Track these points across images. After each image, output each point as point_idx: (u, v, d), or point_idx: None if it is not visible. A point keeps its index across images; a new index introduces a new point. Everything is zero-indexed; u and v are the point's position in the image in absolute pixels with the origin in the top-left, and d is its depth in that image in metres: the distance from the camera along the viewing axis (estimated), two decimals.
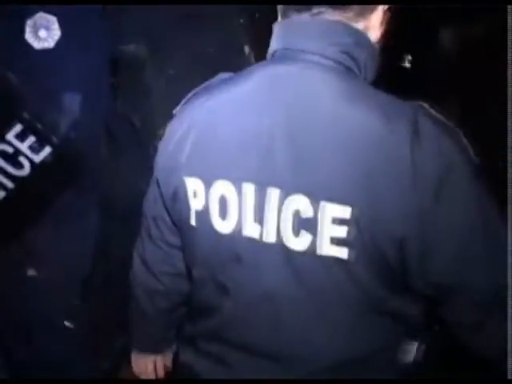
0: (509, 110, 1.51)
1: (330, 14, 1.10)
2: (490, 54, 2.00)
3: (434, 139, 1.02)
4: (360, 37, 1.12)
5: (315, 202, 1.04)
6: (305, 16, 1.11)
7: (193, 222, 1.17)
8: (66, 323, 2.31)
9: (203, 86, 1.24)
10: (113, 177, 2.35)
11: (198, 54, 2.32)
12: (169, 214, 1.27)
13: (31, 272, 2.33)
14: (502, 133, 1.51)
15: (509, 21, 1.56)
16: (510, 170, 1.43)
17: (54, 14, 2.22)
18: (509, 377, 1.16)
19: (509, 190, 1.41)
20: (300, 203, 1.05)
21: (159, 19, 2.32)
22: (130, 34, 2.36)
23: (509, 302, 1.15)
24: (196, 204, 1.15)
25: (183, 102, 1.25)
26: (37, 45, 2.23)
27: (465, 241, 1.04)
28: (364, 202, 1.02)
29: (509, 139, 1.48)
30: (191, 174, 1.15)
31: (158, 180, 1.26)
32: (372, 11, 1.13)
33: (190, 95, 1.25)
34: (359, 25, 1.12)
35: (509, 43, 1.53)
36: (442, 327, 1.13)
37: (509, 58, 1.52)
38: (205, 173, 1.14)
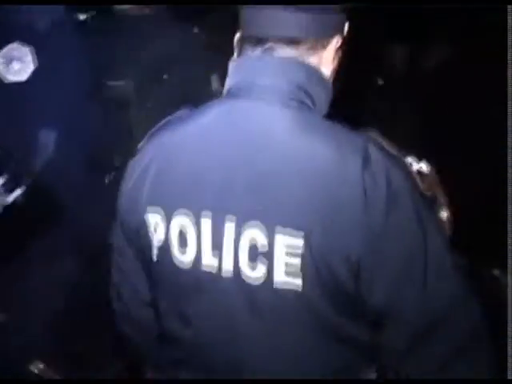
0: (509, 110, 1.51)
1: (283, 50, 1.13)
2: (490, 54, 2.00)
3: (383, 167, 1.07)
4: (312, 72, 1.15)
5: (270, 230, 1.08)
6: (258, 52, 1.14)
7: (154, 256, 1.19)
8: (33, 367, 2.22)
9: (164, 121, 1.27)
10: (89, 216, 2.18)
11: (176, 88, 2.22)
12: (133, 247, 1.28)
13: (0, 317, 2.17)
14: (501, 133, 1.51)
15: (509, 21, 1.57)
16: (510, 170, 1.43)
17: (28, 45, 2.04)
18: (509, 377, 1.16)
19: (509, 190, 1.41)
20: (255, 233, 1.09)
21: (148, 54, 2.20)
22: (121, 69, 2.22)
23: (509, 303, 1.15)
24: (156, 239, 1.18)
25: (146, 137, 1.27)
26: (9, 77, 2.04)
27: (404, 267, 1.07)
28: (317, 230, 1.05)
29: (509, 139, 1.48)
30: (151, 210, 1.18)
31: (120, 215, 1.27)
32: (324, 47, 1.16)
33: (152, 131, 1.27)
34: (311, 60, 1.15)
35: (509, 43, 1.54)
36: (377, 352, 1.12)
37: (509, 58, 1.53)
38: (164, 208, 1.17)
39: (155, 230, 1.18)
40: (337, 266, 1.06)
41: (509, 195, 1.40)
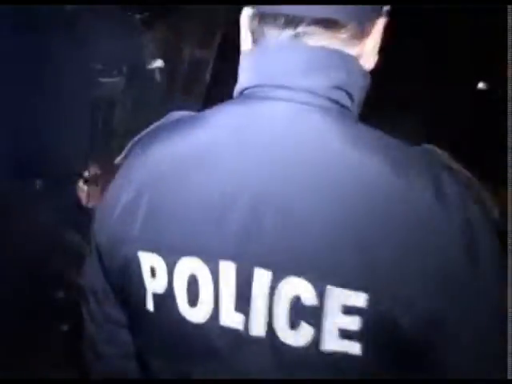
0: (509, 110, 1.51)
1: (319, 37, 0.88)
2: (490, 54, 2.00)
3: (459, 198, 0.86)
4: (355, 67, 0.91)
5: (319, 286, 0.84)
6: (286, 37, 0.88)
7: (149, 306, 0.96)
8: None
9: (150, 129, 1.01)
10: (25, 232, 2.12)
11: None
12: (113, 290, 1.04)
13: None
14: (502, 133, 1.51)
15: (509, 21, 1.56)
16: (510, 170, 1.43)
17: None
18: (509, 377, 1.16)
19: (509, 190, 1.41)
20: (298, 288, 0.85)
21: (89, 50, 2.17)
22: (111, 64, 2.19)
23: (509, 303, 1.15)
24: (154, 286, 0.94)
25: (127, 150, 1.02)
26: None
27: (488, 324, 0.88)
28: (383, 283, 0.83)
29: (509, 139, 1.48)
30: (147, 249, 0.93)
31: (98, 250, 1.02)
32: (368, 33, 0.91)
33: (134, 142, 1.02)
34: (354, 50, 0.90)
35: (509, 43, 1.54)
36: None
37: (509, 58, 1.53)
38: (166, 248, 0.92)
39: (152, 275, 0.94)
40: (404, 323, 0.84)
41: (509, 196, 1.40)
